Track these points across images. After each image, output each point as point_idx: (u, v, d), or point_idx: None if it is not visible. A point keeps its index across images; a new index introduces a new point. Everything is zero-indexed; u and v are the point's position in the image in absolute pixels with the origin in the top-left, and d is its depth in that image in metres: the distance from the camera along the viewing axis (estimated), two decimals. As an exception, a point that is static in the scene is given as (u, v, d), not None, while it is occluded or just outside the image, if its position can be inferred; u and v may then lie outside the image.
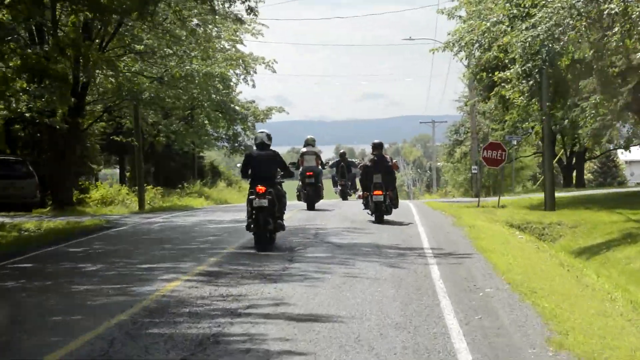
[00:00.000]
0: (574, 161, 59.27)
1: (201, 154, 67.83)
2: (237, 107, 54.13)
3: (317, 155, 29.73)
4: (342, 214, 27.56)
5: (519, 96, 27.18)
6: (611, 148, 61.00)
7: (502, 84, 27.76)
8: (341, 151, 42.99)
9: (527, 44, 24.45)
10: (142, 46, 36.26)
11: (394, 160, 25.76)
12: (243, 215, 27.88)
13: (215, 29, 42.92)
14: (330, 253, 17.21)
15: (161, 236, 21.90)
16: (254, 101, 57.29)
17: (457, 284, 13.61)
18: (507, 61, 29.93)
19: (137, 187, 42.90)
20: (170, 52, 35.76)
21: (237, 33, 50.72)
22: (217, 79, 39.26)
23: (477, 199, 45.08)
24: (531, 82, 25.59)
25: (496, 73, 27.58)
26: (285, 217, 19.06)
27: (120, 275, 14.76)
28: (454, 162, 61.92)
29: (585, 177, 67.06)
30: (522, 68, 24.94)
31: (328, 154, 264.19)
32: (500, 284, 13.63)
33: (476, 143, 52.26)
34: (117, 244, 20.34)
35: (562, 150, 59.85)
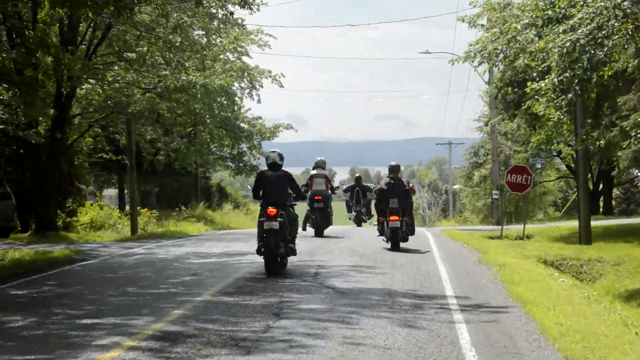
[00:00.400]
0: (600, 187, 55.11)
1: (207, 175, 64.34)
2: (242, 124, 50.71)
3: (327, 179, 27.96)
4: (352, 244, 24.14)
5: (555, 112, 23.30)
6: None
7: (536, 97, 23.86)
8: (357, 175, 40.58)
9: (565, 50, 20.73)
10: (134, 54, 32.63)
11: (410, 184, 24.21)
12: (237, 246, 24.55)
13: (219, 39, 39.48)
14: (330, 304, 13.51)
15: (130, 274, 18.21)
16: (260, 117, 53.79)
17: (496, 357, 9.95)
18: (535, 74, 26.27)
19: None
20: (162, 61, 32.12)
21: (242, 44, 47.40)
22: (218, 92, 35.53)
23: (498, 227, 41.45)
24: (570, 96, 21.81)
25: (529, 84, 23.66)
26: (287, 249, 17.41)
27: (46, 337, 11.07)
28: (472, 185, 57.89)
29: (609, 203, 62.98)
30: (559, 78, 21.16)
31: (343, 175, 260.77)
32: (554, 358, 9.96)
33: (497, 166, 48.58)
34: (73, 285, 16.64)
35: (589, 175, 56.00)
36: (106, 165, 54.66)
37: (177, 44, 32.33)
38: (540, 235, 35.75)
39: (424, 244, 25.16)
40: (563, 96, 22.20)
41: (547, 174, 56.64)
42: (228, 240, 27.15)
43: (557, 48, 21.22)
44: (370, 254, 21.46)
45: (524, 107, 26.70)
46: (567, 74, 21.33)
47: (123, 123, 39.52)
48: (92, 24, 32.59)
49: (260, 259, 17.44)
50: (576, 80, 21.31)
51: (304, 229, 27.44)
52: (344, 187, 37.75)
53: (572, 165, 54.30)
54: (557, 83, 21.47)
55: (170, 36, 32.25)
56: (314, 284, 15.73)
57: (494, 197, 47.94)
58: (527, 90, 23.51)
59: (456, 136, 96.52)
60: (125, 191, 55.27)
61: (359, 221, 36.02)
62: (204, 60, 33.73)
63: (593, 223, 39.56)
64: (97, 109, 34.63)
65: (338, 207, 28.83)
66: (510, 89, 32.17)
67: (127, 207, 49.09)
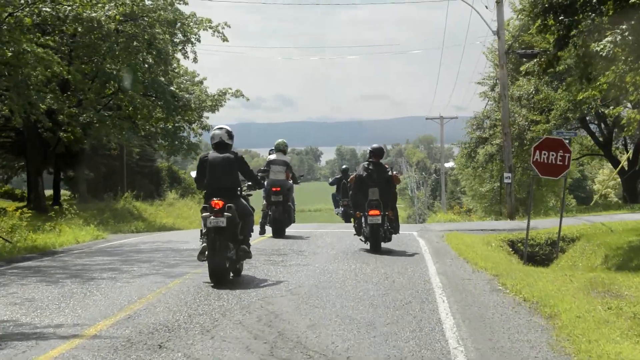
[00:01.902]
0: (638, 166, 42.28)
1: (152, 157, 51.96)
2: (183, 93, 38.43)
3: (288, 166, 22.33)
4: (278, 290, 12.28)
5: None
6: None
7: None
8: (343, 166, 33.04)
9: None
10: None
11: (394, 171, 19.13)
12: (58, 293, 12.37)
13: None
14: None
15: None
16: (201, 82, 41.28)
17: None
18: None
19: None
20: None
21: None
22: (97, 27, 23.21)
23: (516, 223, 29.86)
24: None
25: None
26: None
27: None
28: (475, 166, 44.88)
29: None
30: None
31: (329, 155, 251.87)
32: None
33: (509, 141, 36.38)
34: None
35: (628, 153, 43.46)
36: (13, 147, 42.95)
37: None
38: (587, 239, 23.54)
39: (419, 271, 14.48)
40: None
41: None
42: (66, 276, 14.78)
43: None
44: (302, 330, 9.35)
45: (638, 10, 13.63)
46: None
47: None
48: None
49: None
50: None
51: (262, 231, 22.00)
52: (330, 180, 33.77)
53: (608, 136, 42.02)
54: None
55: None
56: None
57: (506, 180, 35.86)
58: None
59: (447, 114, 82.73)
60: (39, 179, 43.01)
61: (347, 217, 30.40)
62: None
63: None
64: None
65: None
66: (551, 16, 19.96)
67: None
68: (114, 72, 33.85)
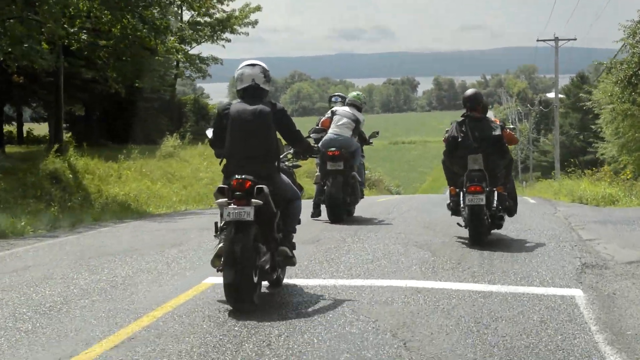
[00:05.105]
0: None
1: (161, 84, 36.33)
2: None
3: (357, 122, 14.78)
4: None
5: None
6: None
7: None
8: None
9: None
10: None
11: (506, 128, 11.78)
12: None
13: None
14: None
15: None
16: None
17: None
18: None
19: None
20: None
21: None
22: None
23: None
24: None
25: None
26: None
27: None
28: (633, 104, 26.98)
29: None
30: None
31: (426, 85, 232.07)
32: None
33: None
34: None
35: None
36: None
37: None
38: None
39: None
40: None
41: None
42: None
43: None
44: None
45: None
46: None
47: None
48: None
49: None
50: None
51: (316, 213, 14.82)
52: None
53: None
54: None
55: None
56: None
57: None
58: None
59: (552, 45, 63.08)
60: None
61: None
62: None
63: None
64: None
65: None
66: None
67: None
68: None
